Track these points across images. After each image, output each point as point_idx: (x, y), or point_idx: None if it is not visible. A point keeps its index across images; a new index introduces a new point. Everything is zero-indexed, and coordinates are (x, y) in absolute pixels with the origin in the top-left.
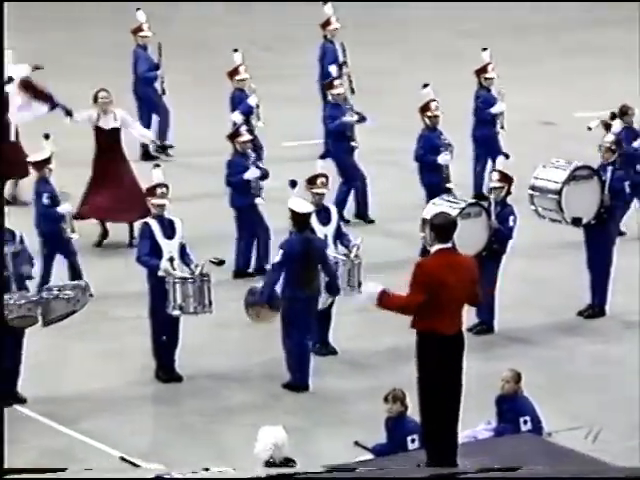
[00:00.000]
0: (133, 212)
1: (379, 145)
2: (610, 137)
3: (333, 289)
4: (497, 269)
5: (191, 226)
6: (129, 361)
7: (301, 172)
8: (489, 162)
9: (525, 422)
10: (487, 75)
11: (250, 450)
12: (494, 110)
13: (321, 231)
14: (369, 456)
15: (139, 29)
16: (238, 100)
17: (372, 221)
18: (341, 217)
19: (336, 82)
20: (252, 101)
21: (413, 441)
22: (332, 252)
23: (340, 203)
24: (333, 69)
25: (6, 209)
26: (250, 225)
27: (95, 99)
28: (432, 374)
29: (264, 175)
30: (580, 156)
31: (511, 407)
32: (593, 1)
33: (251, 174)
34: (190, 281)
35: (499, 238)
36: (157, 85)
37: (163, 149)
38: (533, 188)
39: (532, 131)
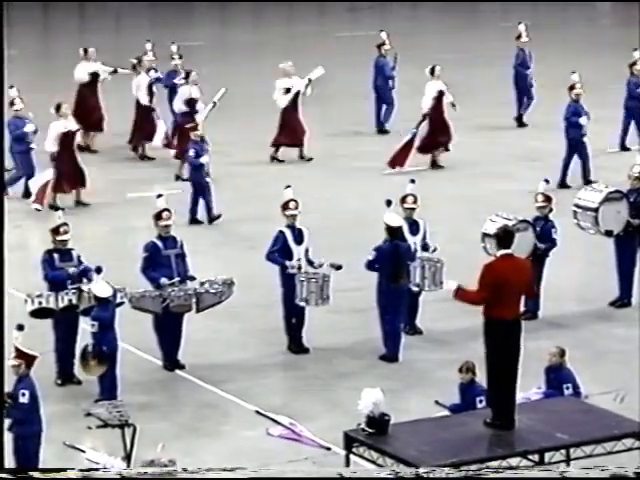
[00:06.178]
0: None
1: None
2: (638, 168)
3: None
4: (542, 269)
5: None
6: (264, 337)
7: None
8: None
9: (567, 388)
10: None
11: (354, 405)
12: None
13: (411, 240)
14: (446, 413)
15: (383, 43)
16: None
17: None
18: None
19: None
20: None
21: (481, 402)
22: (420, 255)
23: None
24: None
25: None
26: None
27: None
28: (496, 350)
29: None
30: (613, 182)
31: (556, 376)
32: None
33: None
34: (313, 280)
35: (544, 246)
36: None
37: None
38: (576, 206)
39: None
